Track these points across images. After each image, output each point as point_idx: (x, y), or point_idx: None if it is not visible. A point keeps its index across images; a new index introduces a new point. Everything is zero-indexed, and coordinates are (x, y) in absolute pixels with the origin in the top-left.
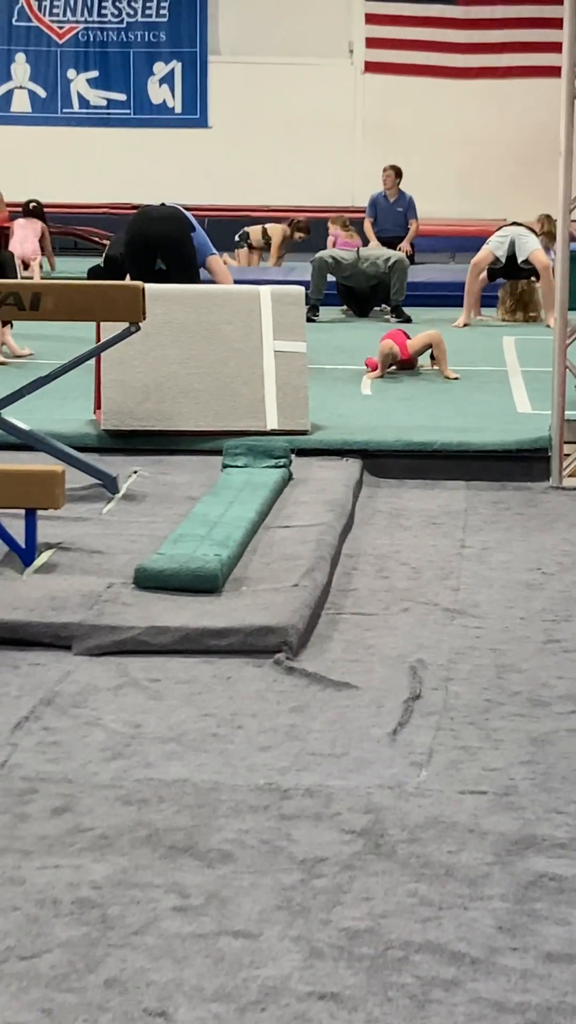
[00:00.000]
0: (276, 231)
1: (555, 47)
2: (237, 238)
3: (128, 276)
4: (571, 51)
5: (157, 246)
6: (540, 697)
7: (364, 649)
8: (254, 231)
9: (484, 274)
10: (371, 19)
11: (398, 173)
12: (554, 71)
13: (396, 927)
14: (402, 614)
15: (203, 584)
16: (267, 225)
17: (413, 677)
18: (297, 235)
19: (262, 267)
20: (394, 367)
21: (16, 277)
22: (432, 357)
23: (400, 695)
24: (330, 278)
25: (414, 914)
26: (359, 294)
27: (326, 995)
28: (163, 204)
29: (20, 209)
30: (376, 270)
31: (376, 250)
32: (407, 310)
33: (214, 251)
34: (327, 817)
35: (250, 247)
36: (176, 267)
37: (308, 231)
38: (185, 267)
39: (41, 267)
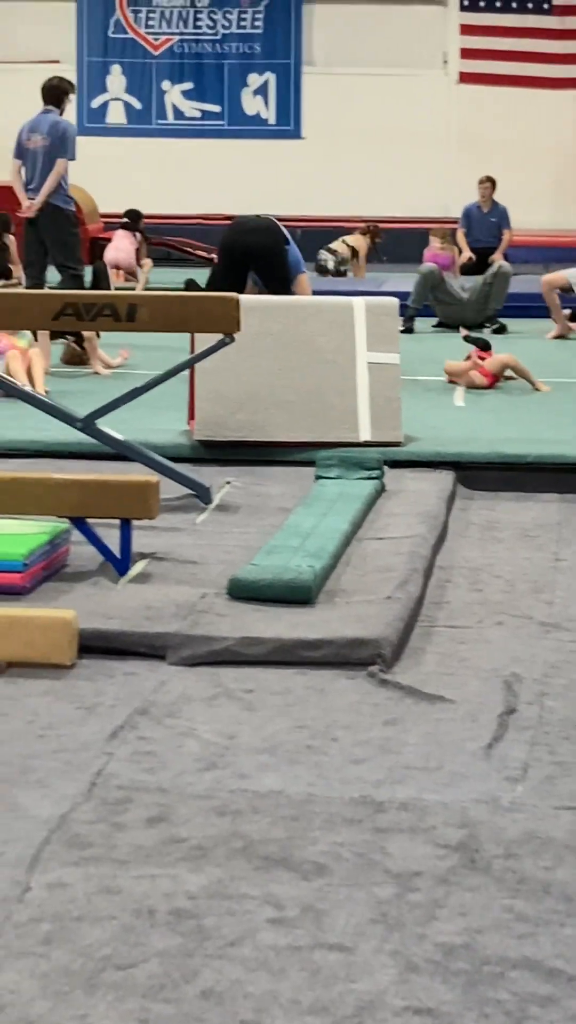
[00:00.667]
0: (360, 242)
1: None
2: (322, 259)
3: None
4: None
5: (251, 257)
6: None
7: (458, 662)
8: (340, 246)
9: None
10: (466, 30)
11: (494, 184)
12: None
13: (492, 943)
14: (496, 627)
15: (297, 595)
16: (345, 238)
17: (508, 691)
18: (376, 241)
19: (349, 279)
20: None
21: (110, 287)
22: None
23: (495, 709)
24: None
25: (510, 930)
26: (455, 316)
27: (422, 1010)
28: (258, 216)
29: (115, 220)
30: (477, 295)
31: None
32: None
33: (304, 270)
34: (422, 831)
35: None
36: (269, 279)
37: (381, 235)
38: (279, 279)
39: (136, 276)
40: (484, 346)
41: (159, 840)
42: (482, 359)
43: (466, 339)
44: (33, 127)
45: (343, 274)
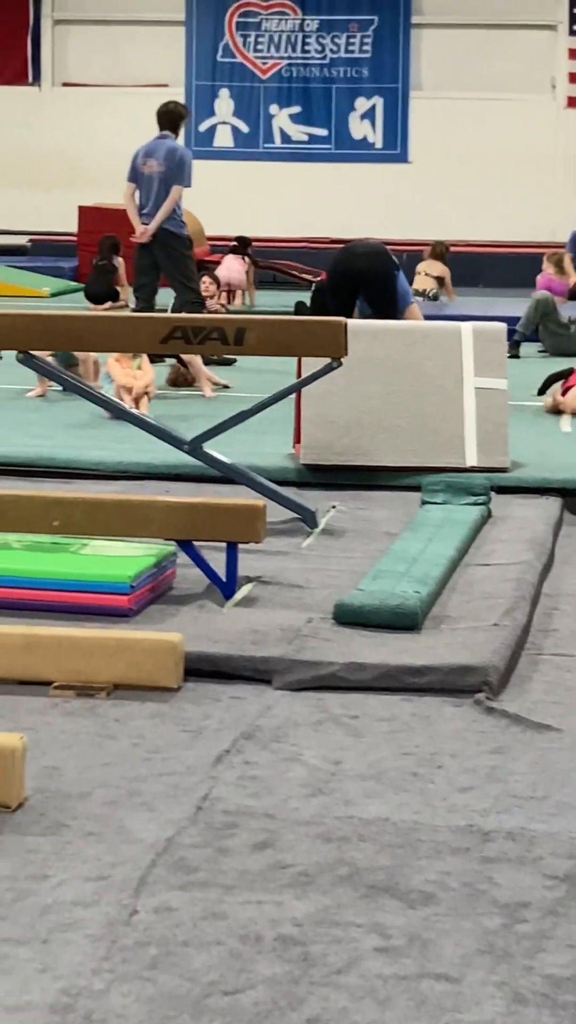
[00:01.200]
0: (438, 268)
1: None
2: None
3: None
4: None
5: (361, 282)
6: None
7: (565, 691)
8: (423, 282)
9: None
10: (575, 54)
11: None
12: None
13: None
14: None
15: (403, 621)
16: (422, 270)
17: None
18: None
19: (442, 302)
20: None
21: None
22: None
23: None
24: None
25: None
26: (562, 346)
27: None
28: (369, 241)
29: (222, 243)
30: None
31: None
32: None
33: (412, 300)
34: (529, 861)
35: None
36: (378, 304)
37: (448, 249)
38: (387, 304)
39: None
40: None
41: (265, 866)
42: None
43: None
44: (149, 152)
45: (436, 299)
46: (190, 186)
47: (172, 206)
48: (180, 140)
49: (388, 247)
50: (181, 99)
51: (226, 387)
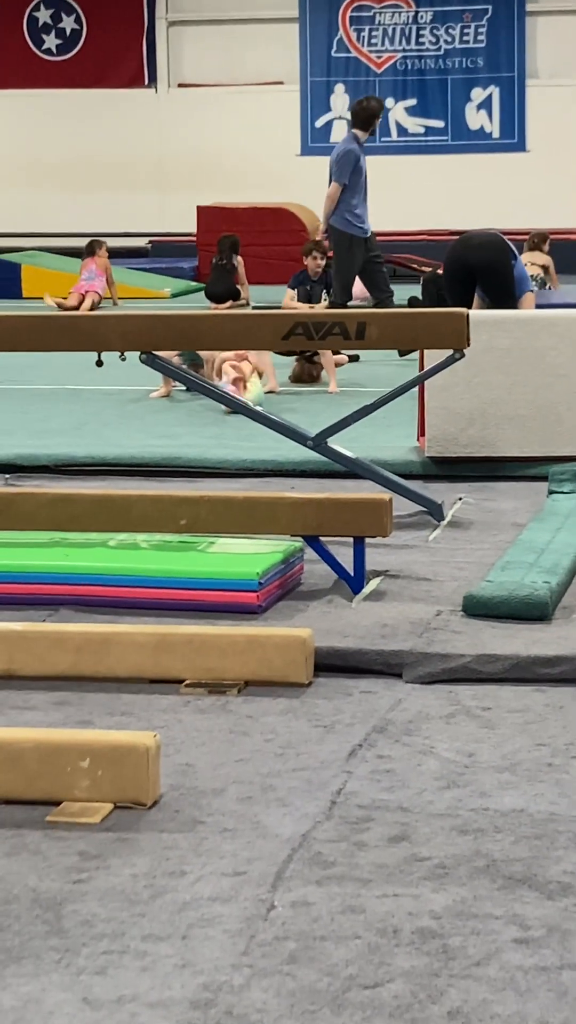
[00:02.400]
0: (541, 258)
1: None
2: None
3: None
4: None
5: (477, 272)
6: None
7: None
8: (532, 270)
9: None
10: None
11: None
12: None
13: None
14: None
15: (533, 612)
16: (526, 257)
17: None
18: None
19: (547, 292)
20: None
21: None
22: None
23: None
24: None
25: None
26: None
27: None
28: (484, 231)
29: None
30: None
31: None
32: None
33: (531, 287)
34: None
35: None
36: (495, 294)
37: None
38: (504, 295)
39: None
40: None
41: (401, 859)
42: None
43: None
44: (335, 151)
45: (544, 285)
46: (346, 183)
47: (330, 203)
48: (339, 134)
49: (507, 236)
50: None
51: (355, 359)
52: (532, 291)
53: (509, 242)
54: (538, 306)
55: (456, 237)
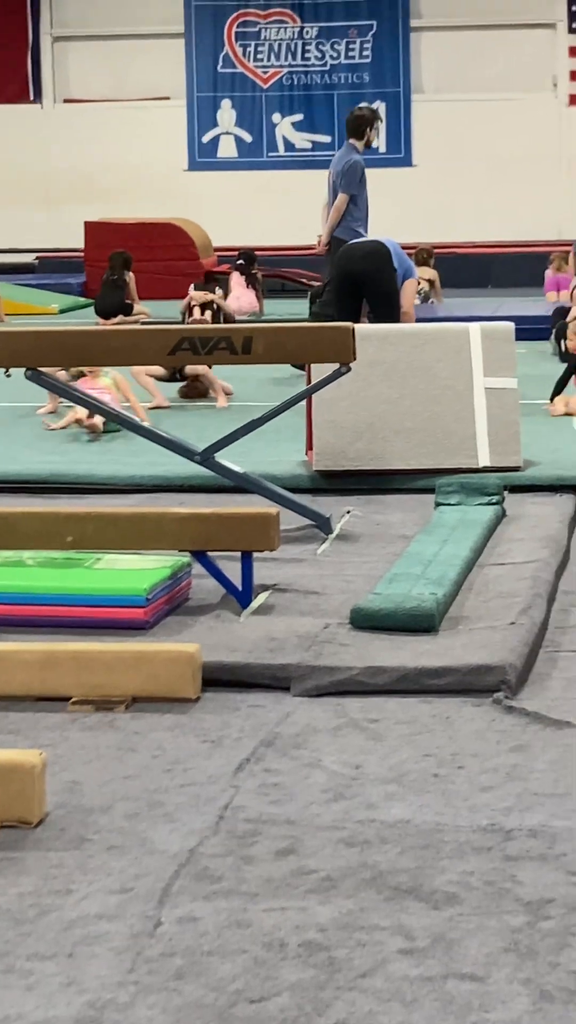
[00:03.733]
0: (433, 273)
1: None
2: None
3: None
4: None
5: (361, 284)
6: None
7: None
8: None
9: None
10: (575, 52)
11: None
12: None
13: None
14: None
15: (420, 623)
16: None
17: None
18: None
19: (431, 305)
20: None
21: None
22: None
23: None
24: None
25: None
26: None
27: None
28: (368, 240)
29: (229, 253)
30: None
31: None
32: None
33: (414, 275)
34: (552, 858)
35: None
36: (378, 304)
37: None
38: (388, 306)
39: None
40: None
41: (288, 872)
42: None
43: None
44: (334, 162)
45: (427, 300)
46: (354, 193)
47: (337, 214)
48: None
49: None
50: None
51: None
52: (415, 279)
53: (393, 245)
54: (425, 320)
55: (342, 249)
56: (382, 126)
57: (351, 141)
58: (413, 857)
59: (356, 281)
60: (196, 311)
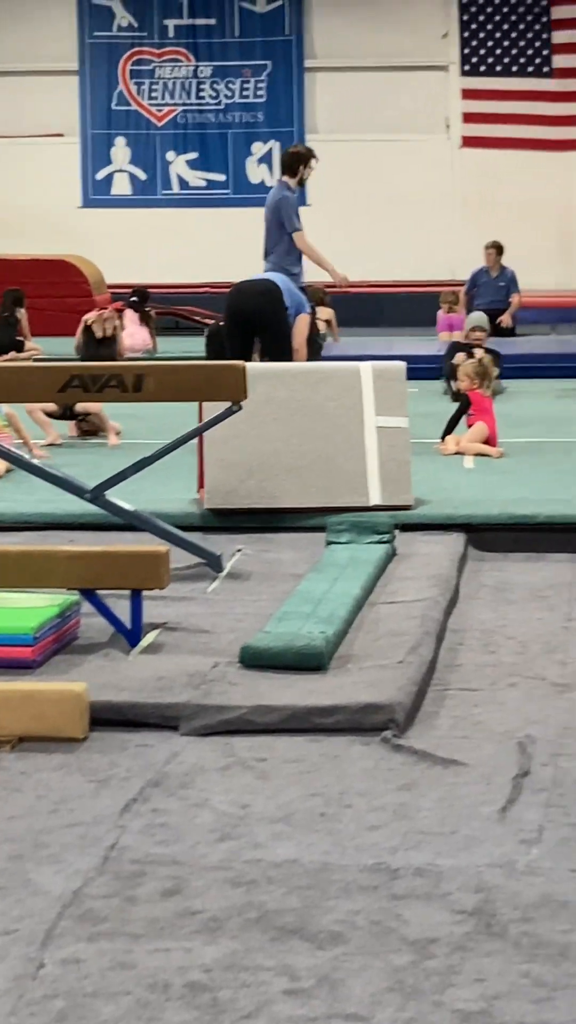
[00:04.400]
0: (330, 312)
1: None
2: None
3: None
4: None
5: (254, 323)
6: None
7: (472, 725)
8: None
9: None
10: (468, 94)
11: (499, 250)
12: None
13: (510, 1008)
14: (509, 689)
15: (309, 662)
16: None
17: (522, 753)
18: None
19: (328, 343)
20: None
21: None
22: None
23: (509, 772)
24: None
25: (528, 995)
26: None
27: None
28: (259, 280)
29: (123, 291)
30: None
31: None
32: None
33: (307, 310)
34: (437, 897)
35: None
36: (270, 343)
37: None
38: (280, 343)
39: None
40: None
41: (173, 913)
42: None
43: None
44: (268, 201)
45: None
46: (299, 229)
47: (312, 253)
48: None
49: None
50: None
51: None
52: (308, 313)
53: (284, 281)
54: (331, 358)
55: (232, 286)
56: (316, 164)
57: (284, 178)
58: (299, 897)
59: (248, 320)
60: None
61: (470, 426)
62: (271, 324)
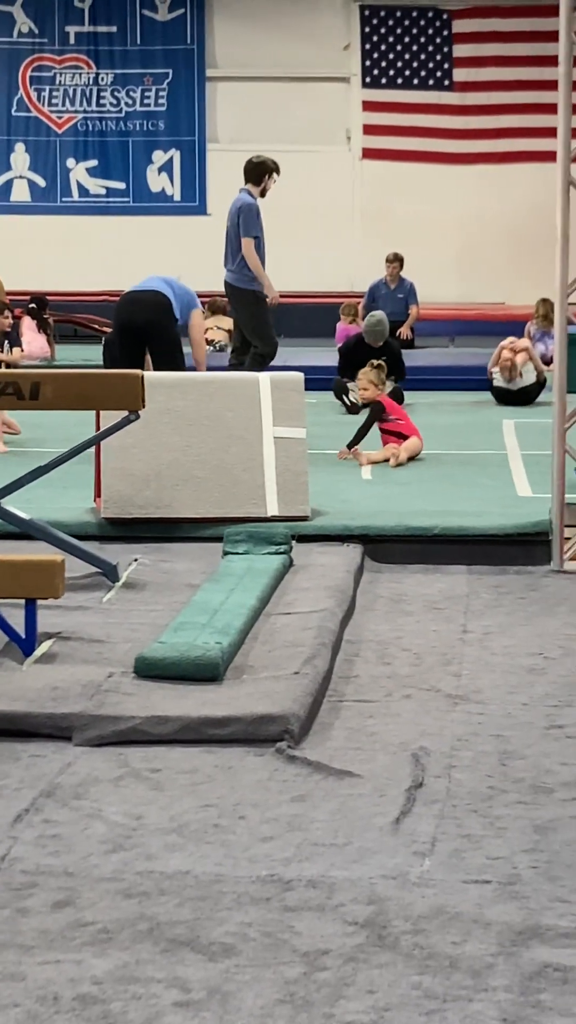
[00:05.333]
0: (230, 322)
1: (550, 132)
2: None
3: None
4: (565, 137)
5: (142, 334)
6: (543, 784)
7: (366, 737)
8: (216, 333)
9: None
10: (368, 106)
11: (401, 262)
12: (550, 156)
13: (400, 1020)
14: (404, 700)
15: (204, 673)
16: (211, 321)
17: (416, 765)
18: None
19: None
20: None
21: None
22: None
23: (403, 783)
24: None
25: (418, 1007)
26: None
27: None
28: (145, 291)
29: (21, 298)
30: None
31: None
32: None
33: (196, 305)
34: (330, 908)
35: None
36: (159, 354)
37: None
38: (168, 353)
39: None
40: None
41: (64, 924)
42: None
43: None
44: (231, 208)
45: (223, 350)
46: (250, 236)
47: (253, 259)
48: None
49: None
50: None
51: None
52: (200, 309)
53: (171, 287)
54: (217, 369)
55: (120, 296)
56: (278, 178)
57: (248, 186)
58: (191, 908)
59: (138, 331)
60: None
61: (387, 431)
62: (161, 336)
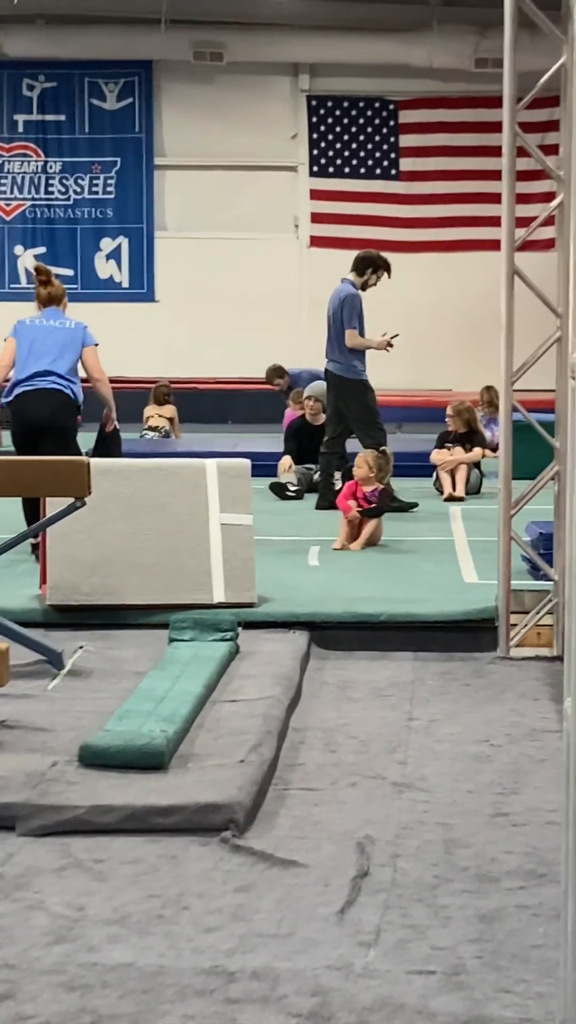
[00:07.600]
0: (172, 410)
1: (495, 221)
2: (150, 432)
3: None
4: (509, 227)
5: (38, 431)
6: (489, 873)
7: (312, 825)
8: (159, 421)
9: None
10: (316, 195)
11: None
12: (495, 245)
13: None
14: (350, 788)
15: (149, 761)
16: (151, 409)
17: (361, 854)
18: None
19: (172, 441)
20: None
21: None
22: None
23: (348, 872)
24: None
25: None
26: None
27: None
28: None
29: None
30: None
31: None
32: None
33: (92, 342)
34: (274, 1000)
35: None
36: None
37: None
38: (64, 440)
39: None
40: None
41: (5, 1018)
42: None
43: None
44: (332, 296)
45: (167, 436)
46: (353, 328)
47: (363, 348)
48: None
49: (135, 384)
50: None
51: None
52: (94, 346)
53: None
54: (162, 455)
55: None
56: (385, 278)
57: (350, 276)
58: (134, 1001)
59: (35, 430)
60: None
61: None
62: (59, 436)
